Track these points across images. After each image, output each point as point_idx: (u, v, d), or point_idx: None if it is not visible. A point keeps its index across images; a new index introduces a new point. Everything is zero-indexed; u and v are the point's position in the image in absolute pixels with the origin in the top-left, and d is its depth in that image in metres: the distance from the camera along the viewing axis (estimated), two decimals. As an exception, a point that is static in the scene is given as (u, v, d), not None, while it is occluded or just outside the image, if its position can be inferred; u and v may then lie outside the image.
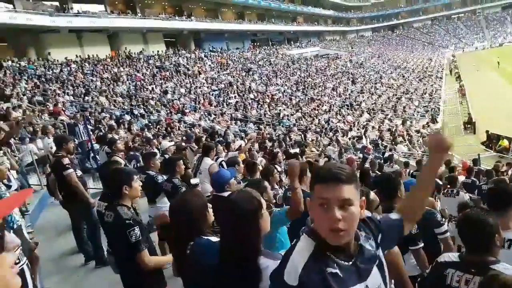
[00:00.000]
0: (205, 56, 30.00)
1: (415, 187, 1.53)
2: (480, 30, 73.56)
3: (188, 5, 36.37)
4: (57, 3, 25.76)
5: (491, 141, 17.76)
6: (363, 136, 18.06)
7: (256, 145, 10.34)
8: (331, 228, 1.10)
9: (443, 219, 3.61)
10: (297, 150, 10.34)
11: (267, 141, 12.07)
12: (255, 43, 44.92)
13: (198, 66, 25.98)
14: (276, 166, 6.01)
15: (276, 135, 14.89)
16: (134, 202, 2.80)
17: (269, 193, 2.88)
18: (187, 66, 25.44)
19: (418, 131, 20.78)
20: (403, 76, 40.41)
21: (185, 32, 33.40)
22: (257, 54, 36.60)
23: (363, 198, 1.20)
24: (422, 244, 2.79)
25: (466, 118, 23.00)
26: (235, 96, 21.75)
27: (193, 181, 4.59)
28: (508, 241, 2.41)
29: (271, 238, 2.53)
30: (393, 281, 2.19)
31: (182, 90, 20.13)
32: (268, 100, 22.65)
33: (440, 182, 6.79)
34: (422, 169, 1.60)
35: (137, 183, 2.64)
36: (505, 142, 16.44)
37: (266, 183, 2.83)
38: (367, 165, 8.52)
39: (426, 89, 34.52)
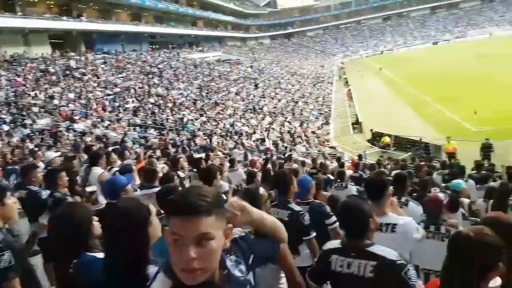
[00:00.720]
0: (97, 58, 27.85)
1: None
2: (364, 39, 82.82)
3: (78, 4, 33.46)
4: None
5: (375, 138, 19.93)
6: (266, 139, 18.82)
7: (158, 152, 9.96)
8: (184, 268, 0.95)
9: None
10: (202, 155, 10.22)
11: (170, 147, 11.72)
12: (154, 46, 43.41)
13: (89, 69, 23.99)
14: (179, 172, 5.85)
15: (180, 140, 14.54)
16: (11, 224, 2.41)
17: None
18: (77, 69, 23.29)
19: (314, 132, 22.44)
20: (299, 82, 43.30)
21: (74, 33, 30.59)
22: (156, 57, 35.38)
23: (229, 225, 1.07)
24: (314, 234, 2.96)
25: (354, 119, 25.61)
26: (133, 101, 20.61)
27: (89, 188, 4.21)
28: (386, 225, 2.70)
29: None
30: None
31: (71, 95, 18.32)
32: (170, 105, 22.02)
33: (332, 177, 7.43)
34: None
35: (10, 200, 2.31)
36: (387, 139, 18.55)
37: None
38: (269, 165, 8.93)
39: (319, 93, 37.53)
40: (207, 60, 44.21)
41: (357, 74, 47.44)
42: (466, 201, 5.28)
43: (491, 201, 4.37)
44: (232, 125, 21.36)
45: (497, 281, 1.55)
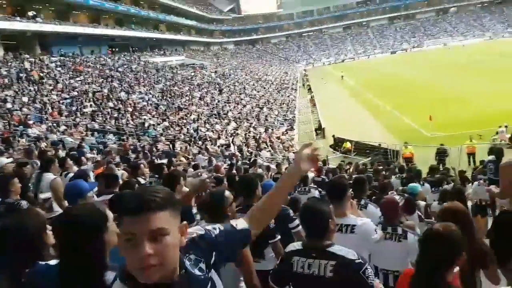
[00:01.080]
0: (53, 61, 26.59)
1: (273, 191, 1.49)
2: (326, 48, 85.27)
3: (33, 5, 31.88)
4: None
5: (337, 144, 20.51)
6: (231, 144, 18.76)
7: (118, 157, 9.63)
8: (141, 266, 0.94)
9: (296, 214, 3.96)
10: (164, 160, 10.00)
11: (130, 152, 11.36)
12: (114, 49, 42.15)
13: (45, 72, 22.84)
14: (139, 179, 5.68)
15: (141, 146, 14.15)
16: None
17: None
18: (31, 71, 22.08)
19: (278, 138, 22.69)
20: (264, 88, 43.70)
21: (28, 34, 29.07)
22: (116, 60, 34.34)
23: (184, 222, 1.08)
24: (279, 237, 2.98)
25: (317, 125, 26.19)
26: (91, 105, 19.82)
27: (43, 195, 3.99)
28: (345, 227, 2.77)
29: None
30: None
31: (25, 99, 17.34)
32: (130, 109, 21.39)
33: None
34: (283, 176, 1.54)
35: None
36: (348, 144, 19.11)
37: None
38: (234, 170, 8.91)
39: (283, 99, 38.07)
40: (170, 64, 43.58)
41: (320, 81, 48.69)
42: (422, 203, 5.54)
43: (445, 203, 4.59)
44: (196, 130, 21.13)
45: (456, 268, 1.79)
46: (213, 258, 1.21)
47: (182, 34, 62.95)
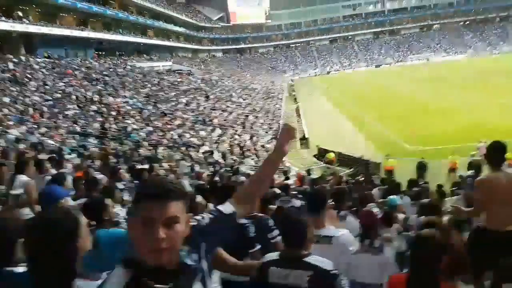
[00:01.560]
0: (38, 62, 26.10)
1: (254, 177, 1.61)
2: (312, 59, 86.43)
3: (20, 6, 31.33)
4: None
5: (321, 154, 20.67)
6: (215, 151, 18.69)
7: (98, 162, 9.47)
8: (154, 248, 1.04)
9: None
10: (146, 166, 9.88)
11: (111, 156, 11.19)
12: (100, 53, 41.69)
13: (28, 73, 22.37)
14: (118, 184, 5.60)
15: (123, 150, 13.95)
16: None
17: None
18: (15, 71, 21.61)
19: (263, 146, 22.72)
20: (250, 96, 43.83)
21: (14, 35, 28.51)
22: (102, 64, 33.94)
23: (189, 214, 1.17)
24: (259, 246, 2.96)
25: (301, 134, 26.36)
26: (73, 108, 19.49)
27: (14, 191, 3.86)
28: (324, 238, 2.78)
29: None
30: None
31: (6, 100, 16.92)
32: (114, 113, 21.10)
33: (278, 191, 7.53)
34: (264, 162, 1.64)
35: None
36: (332, 155, 19.27)
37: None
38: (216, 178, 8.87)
39: (269, 108, 38.24)
40: (157, 69, 43.32)
41: (306, 91, 49.22)
42: (401, 216, 5.59)
43: (423, 216, 4.67)
44: (180, 136, 20.96)
45: None
46: (203, 249, 1.28)
47: (171, 41, 62.79)
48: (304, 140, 24.97)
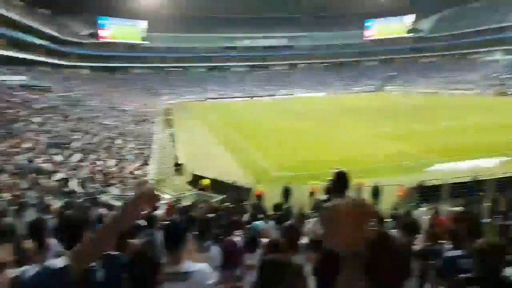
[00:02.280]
0: None
1: (96, 232, 1.42)
2: (190, 85, 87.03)
3: None
4: None
5: (196, 181, 20.37)
6: (73, 179, 16.55)
7: None
8: None
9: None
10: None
11: None
12: None
13: None
14: None
15: None
16: None
17: None
18: None
19: (131, 173, 21.20)
20: (120, 118, 41.11)
21: None
22: None
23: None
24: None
25: (176, 160, 25.66)
26: None
27: None
28: (180, 274, 2.50)
29: None
30: None
31: None
32: None
33: (142, 223, 6.90)
34: (108, 219, 1.48)
35: None
36: (207, 181, 19.16)
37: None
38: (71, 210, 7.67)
39: (141, 132, 36.37)
40: (8, 84, 37.19)
41: (182, 116, 48.79)
42: (265, 241, 5.67)
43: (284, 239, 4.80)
44: (30, 161, 17.98)
45: None
46: None
47: (28, 53, 55.02)
48: (178, 166, 24.33)
